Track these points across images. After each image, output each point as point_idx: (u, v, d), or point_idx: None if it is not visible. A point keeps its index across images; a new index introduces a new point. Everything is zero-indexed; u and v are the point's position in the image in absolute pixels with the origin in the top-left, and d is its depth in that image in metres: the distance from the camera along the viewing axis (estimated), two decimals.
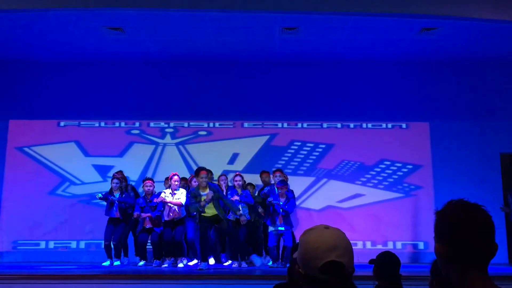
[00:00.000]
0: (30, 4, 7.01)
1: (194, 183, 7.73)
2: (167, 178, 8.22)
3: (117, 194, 8.03)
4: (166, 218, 7.74)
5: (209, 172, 7.82)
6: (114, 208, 7.97)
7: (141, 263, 7.92)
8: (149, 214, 7.91)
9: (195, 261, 7.50)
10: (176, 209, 7.70)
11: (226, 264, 7.52)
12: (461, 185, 8.72)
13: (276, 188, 7.72)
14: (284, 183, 7.76)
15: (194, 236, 7.59)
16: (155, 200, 7.87)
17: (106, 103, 9.58)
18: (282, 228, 7.51)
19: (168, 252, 7.75)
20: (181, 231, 7.76)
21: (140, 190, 8.53)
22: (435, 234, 1.40)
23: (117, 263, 7.90)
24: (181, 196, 7.70)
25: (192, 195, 7.11)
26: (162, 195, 7.77)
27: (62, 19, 7.87)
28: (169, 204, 7.68)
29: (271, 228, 7.62)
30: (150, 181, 8.16)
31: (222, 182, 7.98)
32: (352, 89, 9.61)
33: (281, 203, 7.58)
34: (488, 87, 9.51)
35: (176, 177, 7.79)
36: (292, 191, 8.08)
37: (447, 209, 1.39)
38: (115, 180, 8.08)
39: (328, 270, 1.41)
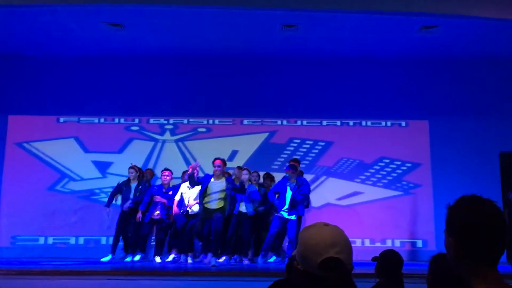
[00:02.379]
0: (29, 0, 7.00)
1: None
2: (184, 172, 8.24)
3: (134, 183, 8.16)
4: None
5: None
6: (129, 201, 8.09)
7: (137, 257, 7.92)
8: (164, 200, 7.95)
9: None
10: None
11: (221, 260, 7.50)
12: (460, 183, 8.71)
13: (287, 177, 7.69)
14: (293, 167, 7.70)
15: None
16: (170, 193, 7.94)
17: (106, 99, 9.57)
18: (285, 214, 7.50)
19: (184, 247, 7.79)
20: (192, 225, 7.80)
21: (159, 182, 8.55)
22: (446, 228, 1.42)
23: (136, 258, 7.96)
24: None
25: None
26: (181, 189, 7.88)
27: (61, 15, 7.86)
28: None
29: (277, 215, 7.61)
30: (168, 171, 8.19)
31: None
32: (351, 87, 9.61)
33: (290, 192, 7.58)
34: (488, 85, 9.51)
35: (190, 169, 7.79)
36: (304, 179, 7.95)
37: (460, 204, 1.41)
38: (131, 170, 8.23)
39: (327, 266, 1.41)
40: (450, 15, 7.29)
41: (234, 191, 7.33)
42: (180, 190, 7.93)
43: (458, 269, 1.39)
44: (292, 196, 7.54)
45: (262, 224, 8.01)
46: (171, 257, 7.76)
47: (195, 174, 7.26)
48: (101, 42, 8.97)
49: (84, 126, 9.57)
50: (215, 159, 7.29)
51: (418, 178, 9.35)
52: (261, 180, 8.51)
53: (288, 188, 7.59)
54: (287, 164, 7.94)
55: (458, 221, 1.38)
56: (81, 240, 9.11)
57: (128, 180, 8.26)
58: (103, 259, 7.90)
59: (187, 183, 7.85)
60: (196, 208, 7.58)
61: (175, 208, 7.81)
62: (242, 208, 7.69)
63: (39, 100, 9.55)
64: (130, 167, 8.31)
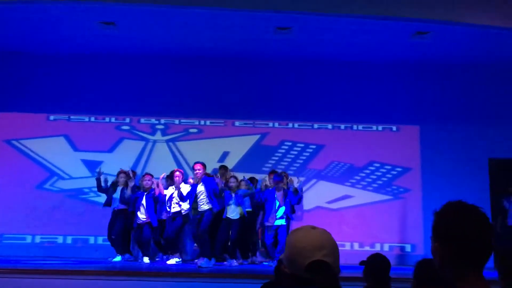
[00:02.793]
0: None
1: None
2: (168, 176, 8.18)
3: (121, 187, 8.10)
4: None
5: (223, 168, 8.29)
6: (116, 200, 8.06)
7: (117, 258, 7.89)
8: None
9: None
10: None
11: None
12: (449, 188, 8.76)
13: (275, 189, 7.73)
14: (280, 177, 7.73)
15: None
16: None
17: (97, 98, 9.51)
18: (277, 223, 7.53)
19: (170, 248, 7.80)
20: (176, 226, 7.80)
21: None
22: (433, 234, 1.43)
23: (116, 258, 7.90)
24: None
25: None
26: (168, 192, 7.91)
27: (54, 12, 7.80)
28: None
29: (268, 224, 7.63)
30: (149, 176, 8.14)
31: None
32: (344, 90, 9.64)
33: (277, 203, 7.59)
34: (480, 92, 9.58)
35: (177, 172, 7.83)
36: (294, 187, 7.81)
37: (446, 209, 1.42)
38: (122, 175, 8.17)
39: (314, 270, 1.41)
40: (443, 21, 7.34)
41: (213, 193, 7.38)
42: (168, 193, 7.91)
43: (444, 274, 1.39)
44: (279, 206, 7.62)
45: (249, 227, 7.98)
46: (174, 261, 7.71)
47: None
48: (93, 40, 8.92)
49: (74, 125, 9.50)
50: (195, 163, 7.42)
51: (407, 183, 9.39)
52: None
53: (276, 198, 7.64)
54: (275, 174, 7.93)
55: (444, 226, 1.39)
56: (69, 239, 9.04)
57: (116, 183, 8.20)
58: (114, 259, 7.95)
59: (173, 186, 7.86)
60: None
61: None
62: (231, 214, 7.59)
63: (29, 97, 9.46)
64: (121, 172, 8.23)
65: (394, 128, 9.65)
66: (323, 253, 1.43)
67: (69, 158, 9.35)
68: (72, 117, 9.52)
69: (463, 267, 1.35)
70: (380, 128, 9.65)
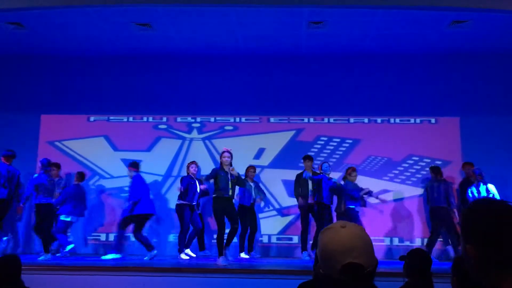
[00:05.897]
0: (60, 1, 7.14)
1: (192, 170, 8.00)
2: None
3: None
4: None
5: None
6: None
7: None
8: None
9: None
10: None
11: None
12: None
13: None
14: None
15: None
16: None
17: (134, 98, 9.71)
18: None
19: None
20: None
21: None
22: (463, 234, 1.30)
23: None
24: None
25: None
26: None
27: (91, 15, 8.00)
28: None
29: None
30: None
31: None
32: (380, 83, 9.49)
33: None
34: None
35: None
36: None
37: (477, 208, 1.29)
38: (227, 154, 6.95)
39: (347, 272, 1.40)
40: (481, 9, 7.11)
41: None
42: None
43: (479, 278, 1.26)
44: None
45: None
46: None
47: None
48: (130, 42, 9.10)
49: (114, 125, 9.73)
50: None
51: (448, 176, 9.16)
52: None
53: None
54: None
55: (478, 226, 1.25)
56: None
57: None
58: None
59: None
60: None
61: None
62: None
63: (70, 99, 9.76)
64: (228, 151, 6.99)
65: (433, 120, 9.44)
66: (354, 255, 1.41)
67: (109, 157, 9.58)
68: (111, 117, 9.76)
69: (499, 269, 1.22)
70: (418, 120, 9.46)
